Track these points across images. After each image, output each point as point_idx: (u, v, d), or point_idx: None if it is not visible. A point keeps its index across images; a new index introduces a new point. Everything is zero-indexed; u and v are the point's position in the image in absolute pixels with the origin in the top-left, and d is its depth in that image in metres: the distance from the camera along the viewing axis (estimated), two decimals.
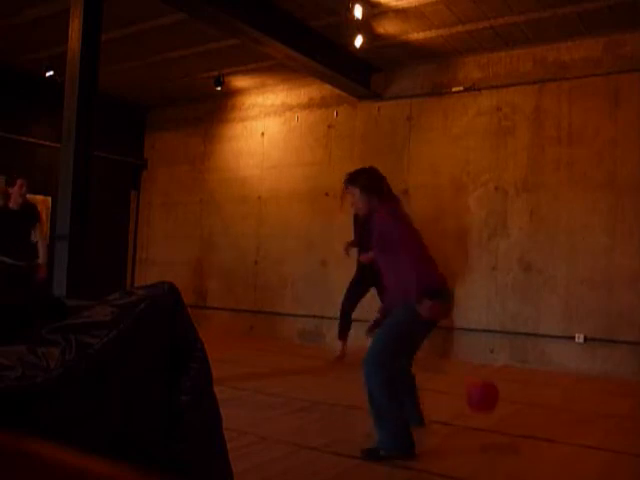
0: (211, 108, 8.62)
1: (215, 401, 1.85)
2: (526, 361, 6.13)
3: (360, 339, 4.63)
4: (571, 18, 5.64)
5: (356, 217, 5.69)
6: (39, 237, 5.87)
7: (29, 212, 5.87)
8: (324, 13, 5.74)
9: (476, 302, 6.42)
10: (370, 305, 5.64)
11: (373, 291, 5.79)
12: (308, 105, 7.79)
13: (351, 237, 5.91)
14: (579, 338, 5.87)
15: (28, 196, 5.96)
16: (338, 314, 5.99)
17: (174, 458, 1.63)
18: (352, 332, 5.93)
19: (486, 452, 3.29)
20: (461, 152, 6.65)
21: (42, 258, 5.82)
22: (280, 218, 7.44)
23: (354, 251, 5.82)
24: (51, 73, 7.19)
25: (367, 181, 3.28)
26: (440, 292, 3.08)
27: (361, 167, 3.46)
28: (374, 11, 5.58)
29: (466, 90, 6.69)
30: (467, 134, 6.64)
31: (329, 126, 7.58)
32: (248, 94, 8.32)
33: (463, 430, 3.70)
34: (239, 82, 7.97)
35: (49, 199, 7.96)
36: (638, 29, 5.78)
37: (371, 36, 6.08)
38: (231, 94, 8.36)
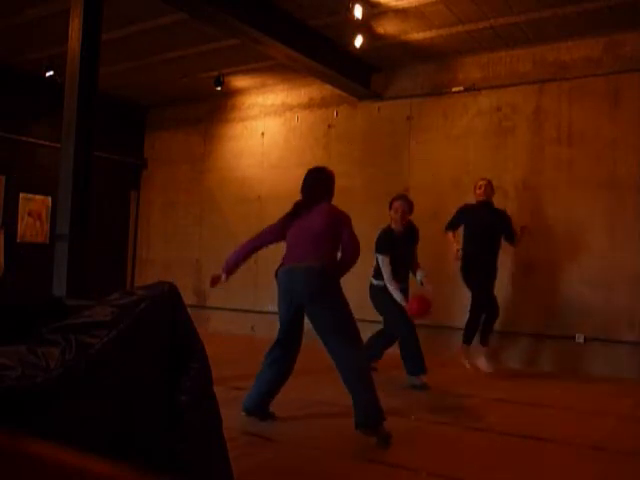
0: (211, 108, 8.62)
1: (215, 401, 1.85)
2: (526, 361, 6.13)
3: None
4: (571, 18, 5.64)
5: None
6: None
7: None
8: (324, 13, 5.74)
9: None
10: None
11: None
12: (308, 105, 7.79)
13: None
14: (579, 338, 5.87)
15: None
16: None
17: (174, 458, 1.63)
18: None
19: (486, 452, 3.29)
20: (461, 152, 6.65)
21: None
22: None
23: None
24: (51, 73, 7.18)
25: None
26: None
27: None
28: (374, 11, 5.57)
29: (466, 90, 6.69)
30: (467, 134, 6.64)
31: (329, 126, 7.58)
32: (248, 94, 8.32)
33: (463, 430, 3.70)
34: (239, 82, 7.97)
35: (49, 199, 7.97)
36: (638, 29, 5.78)
37: (371, 36, 6.08)
38: (231, 94, 8.36)
